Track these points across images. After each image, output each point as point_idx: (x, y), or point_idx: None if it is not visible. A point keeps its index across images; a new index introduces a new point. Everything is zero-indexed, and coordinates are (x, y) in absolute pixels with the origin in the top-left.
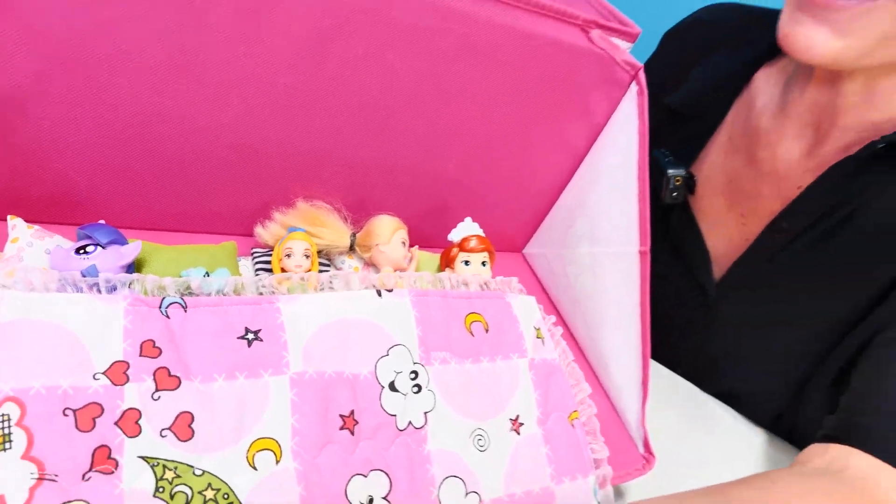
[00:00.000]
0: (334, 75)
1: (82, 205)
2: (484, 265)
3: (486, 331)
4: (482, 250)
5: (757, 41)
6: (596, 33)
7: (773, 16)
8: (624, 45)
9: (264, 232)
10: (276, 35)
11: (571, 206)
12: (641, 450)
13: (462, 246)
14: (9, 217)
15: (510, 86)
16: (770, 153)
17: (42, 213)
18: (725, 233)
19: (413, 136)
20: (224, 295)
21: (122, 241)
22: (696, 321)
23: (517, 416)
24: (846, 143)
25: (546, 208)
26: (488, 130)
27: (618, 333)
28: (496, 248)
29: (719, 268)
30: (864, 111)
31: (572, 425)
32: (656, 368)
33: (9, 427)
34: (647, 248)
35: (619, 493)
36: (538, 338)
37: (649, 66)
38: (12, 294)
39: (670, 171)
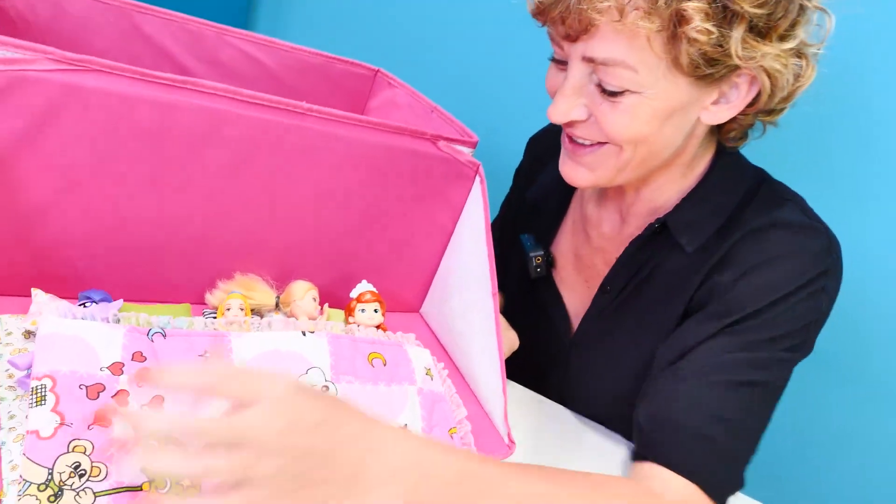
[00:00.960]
0: (254, 185)
1: (81, 280)
2: (376, 312)
3: (385, 365)
4: (373, 301)
5: None
6: (442, 143)
7: None
8: (467, 150)
9: (212, 297)
10: (212, 160)
11: (449, 268)
12: (506, 440)
13: (359, 299)
14: (32, 289)
15: (385, 182)
16: (597, 232)
17: (52, 287)
18: (578, 296)
19: (317, 224)
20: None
21: (109, 300)
22: (558, 365)
23: (406, 425)
24: (640, 224)
25: (432, 273)
26: (374, 216)
27: (483, 358)
28: (398, 310)
29: (576, 320)
30: (644, 203)
31: (451, 437)
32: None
33: (45, 391)
34: (496, 291)
35: None
36: (427, 374)
37: (520, 168)
38: (52, 318)
39: (531, 254)
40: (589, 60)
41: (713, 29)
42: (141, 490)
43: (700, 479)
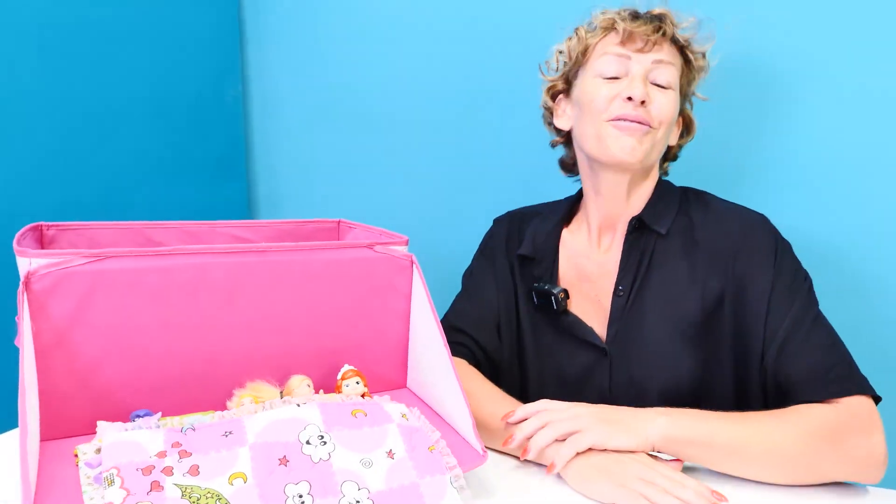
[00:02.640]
0: (245, 312)
1: (131, 406)
2: (358, 383)
3: (366, 416)
4: (354, 375)
5: (560, 211)
6: (377, 247)
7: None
8: (401, 248)
9: (230, 402)
10: (208, 301)
11: (414, 342)
12: (480, 451)
13: (343, 377)
14: (98, 422)
15: (345, 286)
16: (587, 259)
17: (110, 417)
18: (595, 313)
19: (302, 330)
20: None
21: (151, 414)
22: (600, 372)
23: (391, 450)
24: (624, 232)
25: (405, 350)
26: (344, 315)
27: (450, 397)
28: (387, 388)
29: (601, 333)
30: (628, 213)
31: (431, 452)
32: None
33: (113, 476)
34: (446, 342)
35: (476, 474)
36: (403, 416)
37: (497, 242)
38: (112, 432)
39: (555, 291)
40: (657, 62)
41: (701, 57)
42: None
43: (858, 388)
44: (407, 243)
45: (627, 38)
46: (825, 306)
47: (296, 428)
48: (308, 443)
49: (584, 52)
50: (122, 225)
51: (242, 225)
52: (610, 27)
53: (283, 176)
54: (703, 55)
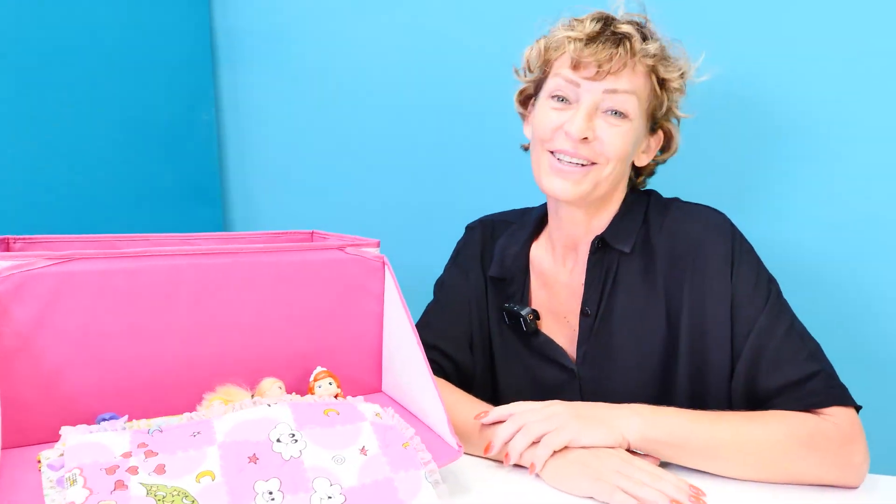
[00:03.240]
0: (216, 315)
1: (97, 412)
2: (331, 384)
3: (338, 415)
4: (327, 376)
5: (528, 226)
6: (349, 248)
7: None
8: (373, 249)
9: (200, 407)
10: (178, 304)
11: (388, 342)
12: (455, 447)
13: (315, 378)
14: (62, 427)
15: (317, 288)
16: (555, 278)
17: (74, 424)
18: (564, 333)
19: (275, 333)
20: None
21: (117, 418)
22: (570, 392)
23: (364, 447)
24: (587, 250)
25: (379, 353)
26: (317, 317)
27: (425, 395)
28: (361, 393)
29: (571, 352)
30: (591, 233)
31: (405, 449)
32: None
33: (75, 476)
34: (421, 345)
35: (451, 470)
36: (377, 415)
37: (471, 250)
38: (76, 434)
39: (523, 312)
40: (610, 92)
41: (676, 77)
42: None
43: (838, 400)
44: (378, 245)
45: (578, 65)
46: (804, 310)
47: (266, 427)
48: (279, 441)
49: (545, 67)
50: (92, 238)
51: (214, 237)
52: (563, 47)
53: (258, 198)
54: (681, 76)
